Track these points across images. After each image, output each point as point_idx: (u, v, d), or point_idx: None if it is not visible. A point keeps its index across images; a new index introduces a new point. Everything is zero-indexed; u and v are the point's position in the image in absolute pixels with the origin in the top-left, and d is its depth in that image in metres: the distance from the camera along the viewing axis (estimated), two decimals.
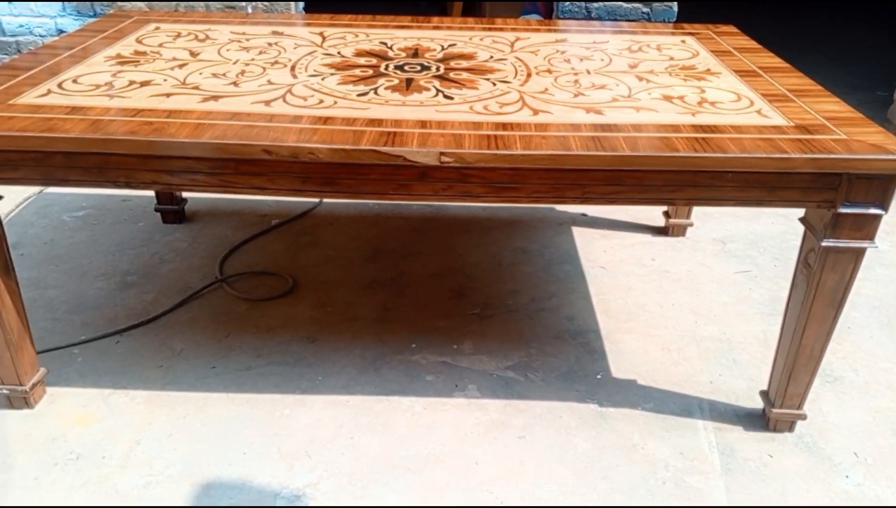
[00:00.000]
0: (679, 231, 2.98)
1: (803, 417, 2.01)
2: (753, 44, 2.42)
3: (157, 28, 2.43)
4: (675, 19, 3.10)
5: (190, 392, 2.13)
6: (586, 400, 2.14)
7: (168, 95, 1.85)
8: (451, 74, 2.08)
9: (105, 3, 3.14)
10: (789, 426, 2.03)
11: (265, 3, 3.13)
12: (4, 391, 2.00)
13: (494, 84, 2.01)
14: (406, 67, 2.13)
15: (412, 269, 2.75)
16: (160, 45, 2.25)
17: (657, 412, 2.10)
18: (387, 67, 2.13)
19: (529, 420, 2.06)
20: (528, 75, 2.09)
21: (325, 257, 2.82)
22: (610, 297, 2.60)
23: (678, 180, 1.65)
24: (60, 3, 3.16)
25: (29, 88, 1.86)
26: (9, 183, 1.68)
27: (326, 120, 1.72)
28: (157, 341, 2.34)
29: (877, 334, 2.45)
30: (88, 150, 1.60)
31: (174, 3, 3.14)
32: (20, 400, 2.03)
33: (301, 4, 3.26)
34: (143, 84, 1.92)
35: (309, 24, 2.52)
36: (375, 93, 1.93)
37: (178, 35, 2.36)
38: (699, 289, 2.67)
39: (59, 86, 1.89)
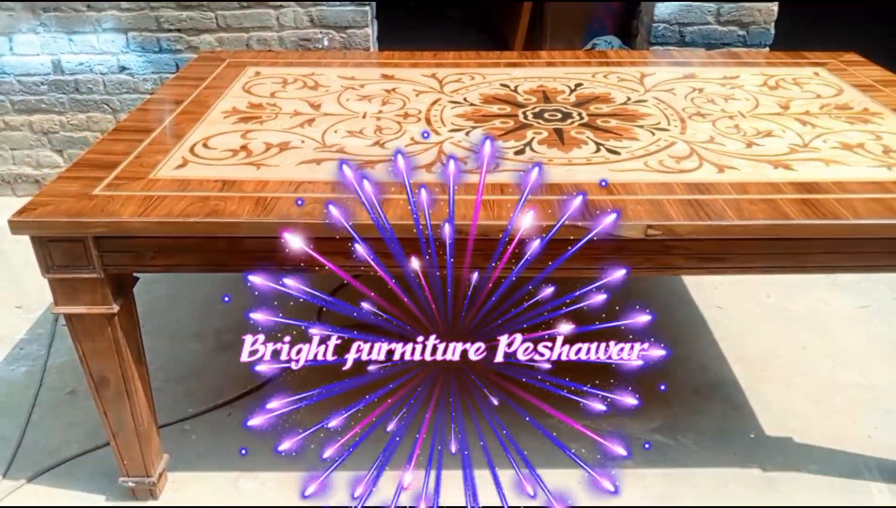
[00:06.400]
0: None
1: None
2: (890, 75, 2.29)
3: (258, 73, 2.26)
4: (771, 42, 2.96)
5: None
6: (748, 464, 2.00)
7: (318, 161, 1.68)
8: (599, 122, 1.93)
9: (171, 35, 2.95)
10: None
11: (342, 33, 2.96)
12: (130, 484, 1.83)
13: (653, 133, 1.87)
14: (546, 116, 1.98)
15: None
16: (273, 95, 2.08)
17: (825, 475, 1.96)
18: (525, 115, 1.98)
19: (694, 493, 1.92)
20: (682, 121, 1.94)
21: None
22: (737, 342, 2.47)
23: None
24: (124, 39, 2.97)
25: (161, 155, 1.69)
26: (162, 270, 1.51)
27: (503, 188, 1.57)
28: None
29: None
30: (260, 234, 1.43)
31: (245, 34, 2.95)
32: (145, 492, 1.85)
33: (375, 31, 3.09)
34: (282, 148, 1.75)
35: (416, 66, 2.35)
36: (532, 149, 1.77)
37: (285, 82, 2.19)
38: (825, 329, 2.54)
39: (192, 152, 1.71)
